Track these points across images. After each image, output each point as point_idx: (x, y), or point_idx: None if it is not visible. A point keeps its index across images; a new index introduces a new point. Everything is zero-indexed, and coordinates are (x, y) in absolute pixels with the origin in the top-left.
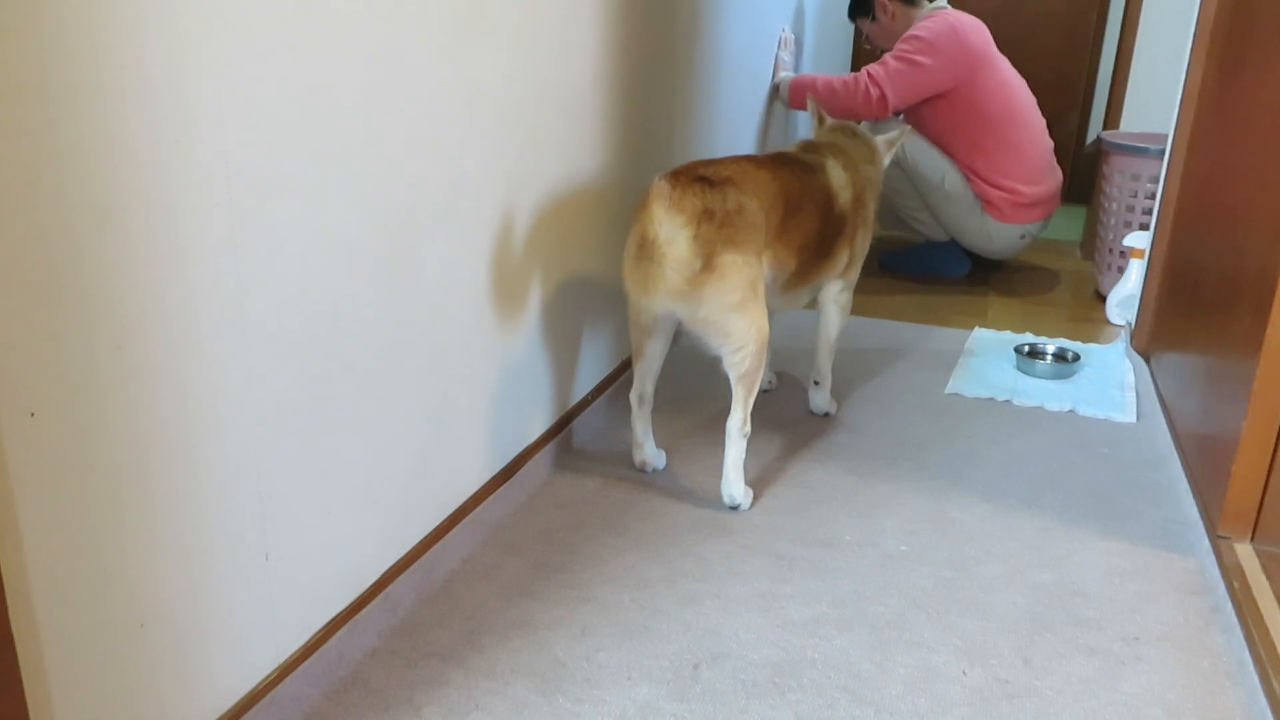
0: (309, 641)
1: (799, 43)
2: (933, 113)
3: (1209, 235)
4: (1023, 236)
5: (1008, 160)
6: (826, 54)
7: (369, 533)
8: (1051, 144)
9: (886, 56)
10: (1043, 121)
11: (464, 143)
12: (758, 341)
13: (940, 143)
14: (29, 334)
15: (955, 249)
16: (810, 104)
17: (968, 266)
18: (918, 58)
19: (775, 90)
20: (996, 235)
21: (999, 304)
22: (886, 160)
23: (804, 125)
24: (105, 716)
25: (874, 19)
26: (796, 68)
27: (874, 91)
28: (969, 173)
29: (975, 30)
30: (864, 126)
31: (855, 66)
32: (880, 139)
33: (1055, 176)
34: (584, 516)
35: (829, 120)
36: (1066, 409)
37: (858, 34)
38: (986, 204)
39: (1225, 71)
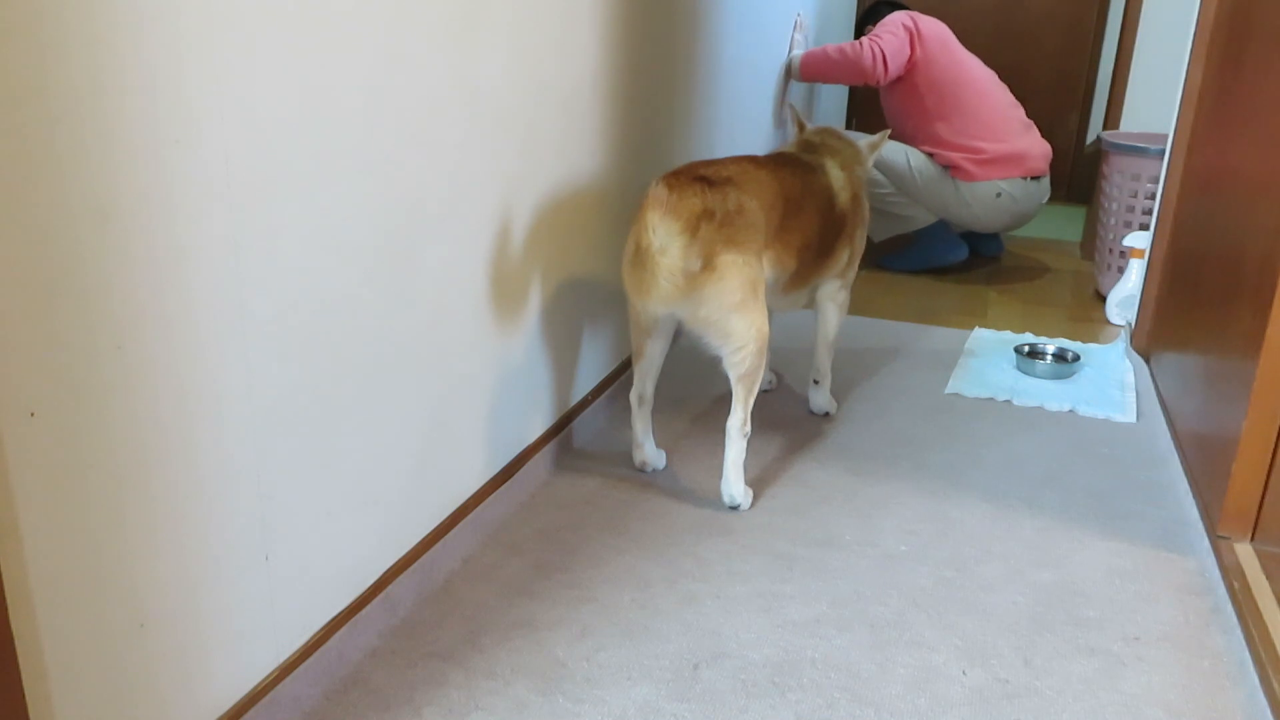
0: (309, 641)
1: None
2: (889, 101)
3: (1209, 235)
4: (999, 195)
5: (965, 123)
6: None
7: (369, 533)
8: (1022, 116)
9: (873, 32)
10: (1009, 96)
11: (464, 143)
12: (758, 341)
13: (898, 132)
14: (29, 334)
15: (947, 233)
16: (790, 111)
17: (965, 251)
18: (894, 30)
19: (788, 68)
20: (973, 198)
21: (999, 304)
22: (870, 162)
23: (818, 113)
24: (105, 716)
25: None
26: (808, 48)
27: (877, 51)
28: (929, 147)
29: (930, 20)
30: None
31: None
32: (863, 142)
33: (1026, 140)
34: (584, 516)
35: (809, 126)
36: (1066, 409)
37: (859, 20)
38: (953, 169)
39: (1225, 71)
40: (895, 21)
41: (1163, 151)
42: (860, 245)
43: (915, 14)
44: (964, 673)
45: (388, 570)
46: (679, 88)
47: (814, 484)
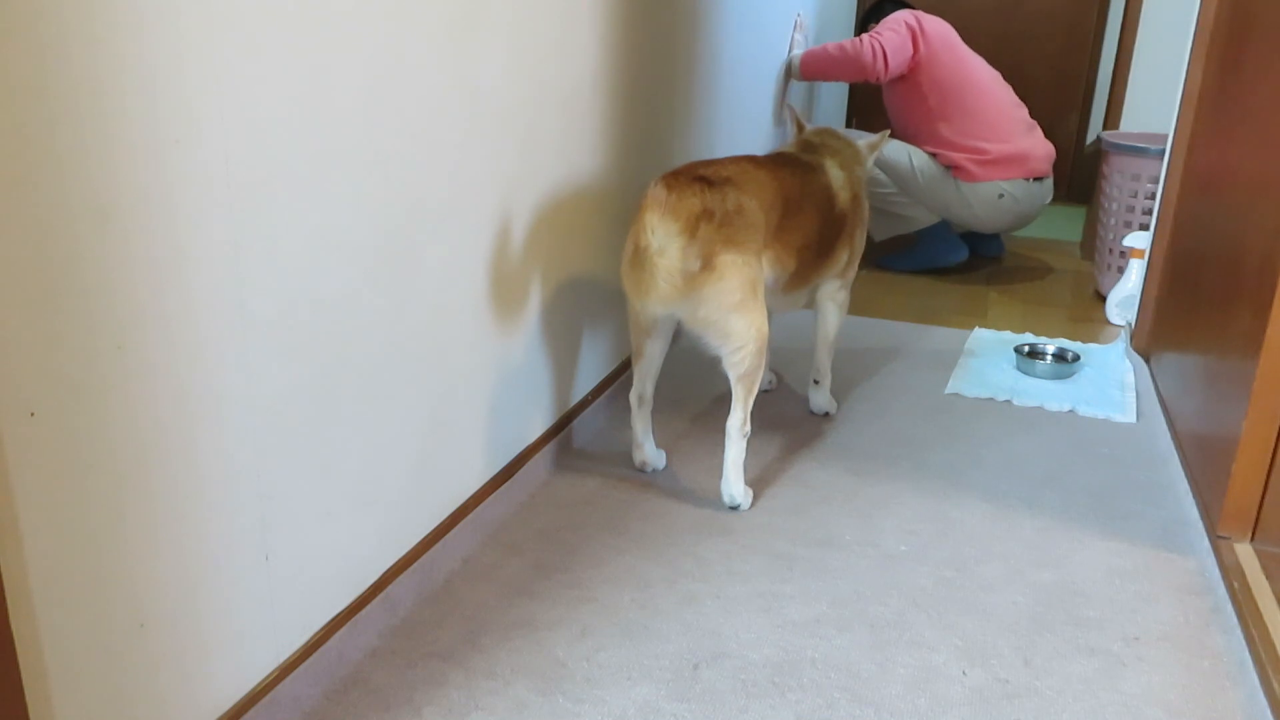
0: (309, 641)
1: (813, 27)
2: (892, 100)
3: (1209, 235)
4: (1001, 196)
5: (968, 123)
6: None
7: (369, 533)
8: (1025, 116)
9: (875, 29)
10: (1012, 96)
11: (464, 143)
12: (757, 341)
13: (900, 132)
14: (29, 334)
15: (947, 233)
16: (789, 111)
17: (965, 252)
18: (896, 28)
19: (788, 67)
20: (975, 199)
21: (999, 304)
22: (869, 162)
23: (818, 113)
24: (105, 716)
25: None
26: (808, 47)
27: (878, 48)
28: (931, 148)
29: (934, 19)
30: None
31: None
32: (863, 142)
33: (1029, 140)
34: (584, 516)
35: (808, 127)
36: (1066, 409)
37: (862, 19)
38: (955, 169)
39: (1225, 71)
40: (898, 19)
41: (1163, 151)
42: (860, 245)
43: (919, 12)
44: (964, 673)
45: (388, 570)
46: (679, 88)
47: (814, 484)
